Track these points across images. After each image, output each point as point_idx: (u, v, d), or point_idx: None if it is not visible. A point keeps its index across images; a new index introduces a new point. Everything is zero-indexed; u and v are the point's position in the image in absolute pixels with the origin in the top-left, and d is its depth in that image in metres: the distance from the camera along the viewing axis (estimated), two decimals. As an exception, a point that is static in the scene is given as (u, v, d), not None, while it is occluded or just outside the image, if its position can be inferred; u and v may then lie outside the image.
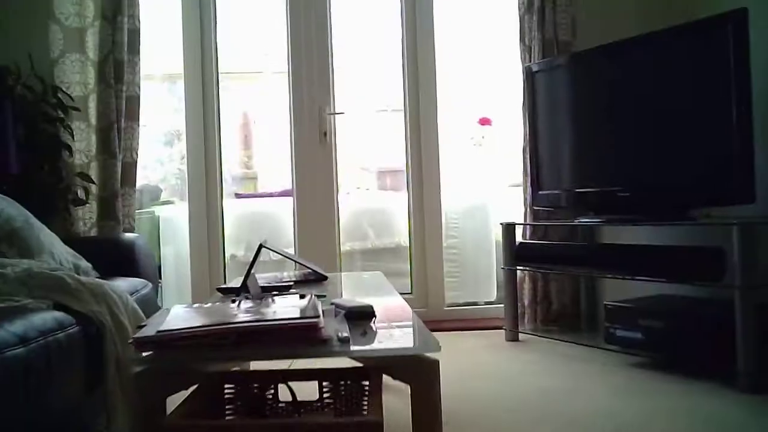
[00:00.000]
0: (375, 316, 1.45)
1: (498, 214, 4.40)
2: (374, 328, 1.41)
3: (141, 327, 1.39)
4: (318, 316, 1.24)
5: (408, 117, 3.75)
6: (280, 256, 3.76)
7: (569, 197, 3.05)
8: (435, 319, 3.65)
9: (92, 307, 1.85)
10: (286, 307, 1.34)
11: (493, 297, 3.87)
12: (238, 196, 4.50)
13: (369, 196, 4.30)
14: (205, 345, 1.18)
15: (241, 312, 1.33)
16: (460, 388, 2.44)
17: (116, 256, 2.60)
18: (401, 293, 3.65)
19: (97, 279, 2.00)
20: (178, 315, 1.35)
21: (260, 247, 1.57)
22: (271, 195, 4.35)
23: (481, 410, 2.18)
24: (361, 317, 1.44)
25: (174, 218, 3.82)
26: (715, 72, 2.51)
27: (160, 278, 3.82)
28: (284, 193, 3.87)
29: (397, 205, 3.88)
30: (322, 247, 3.68)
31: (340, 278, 2.45)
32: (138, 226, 3.73)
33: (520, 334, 3.23)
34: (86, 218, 3.23)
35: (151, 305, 2.44)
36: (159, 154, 6.24)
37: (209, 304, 1.55)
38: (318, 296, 1.88)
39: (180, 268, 3.71)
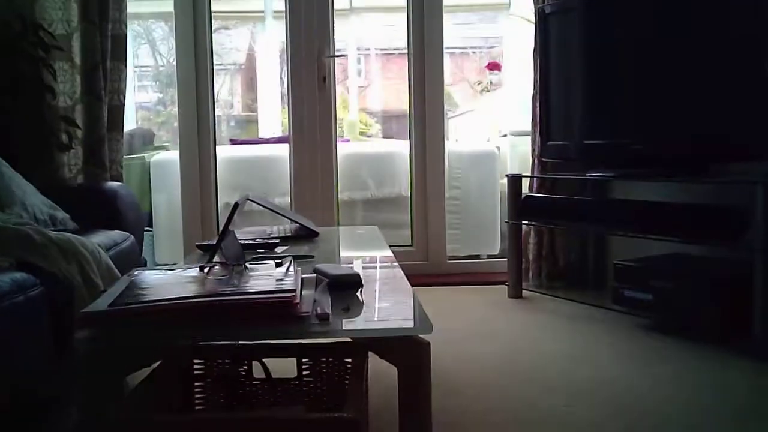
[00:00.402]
0: (362, 286, 1.31)
1: (506, 163, 4.24)
2: (361, 300, 1.27)
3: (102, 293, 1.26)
4: (293, 291, 1.09)
5: (412, 58, 3.54)
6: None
7: (579, 149, 2.88)
8: (436, 273, 3.53)
9: (61, 265, 1.72)
10: (260, 278, 1.19)
11: (497, 250, 3.72)
12: (232, 141, 4.32)
13: (369, 144, 4.11)
14: (162, 322, 1.04)
15: (210, 282, 1.18)
16: (462, 351, 2.32)
17: (97, 207, 2.45)
18: (402, 245, 3.58)
19: (68, 233, 1.86)
20: (139, 283, 1.21)
21: (235, 205, 1.42)
22: (267, 141, 4.17)
23: (486, 378, 2.06)
24: (346, 287, 1.29)
25: (166, 164, 3.66)
26: (743, 10, 2.30)
27: (151, 227, 3.70)
28: (281, 140, 3.70)
29: (398, 153, 3.70)
30: (320, 196, 3.53)
31: (332, 234, 2.30)
32: (127, 173, 3.59)
33: (523, 291, 3.10)
34: (71, 164, 3.07)
35: (132, 259, 2.31)
36: (162, 96, 6.06)
37: (177, 271, 1.41)
38: (303, 258, 1.74)
39: (173, 216, 3.58)
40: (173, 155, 3.60)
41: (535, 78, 3.18)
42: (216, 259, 1.45)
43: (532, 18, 3.19)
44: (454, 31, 7.72)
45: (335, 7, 6.19)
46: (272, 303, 1.07)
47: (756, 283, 2.13)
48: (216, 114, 3.64)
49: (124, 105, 3.23)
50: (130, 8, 3.26)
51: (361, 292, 1.31)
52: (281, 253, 1.75)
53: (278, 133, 5.17)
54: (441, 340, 2.45)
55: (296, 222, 2.14)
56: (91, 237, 2.13)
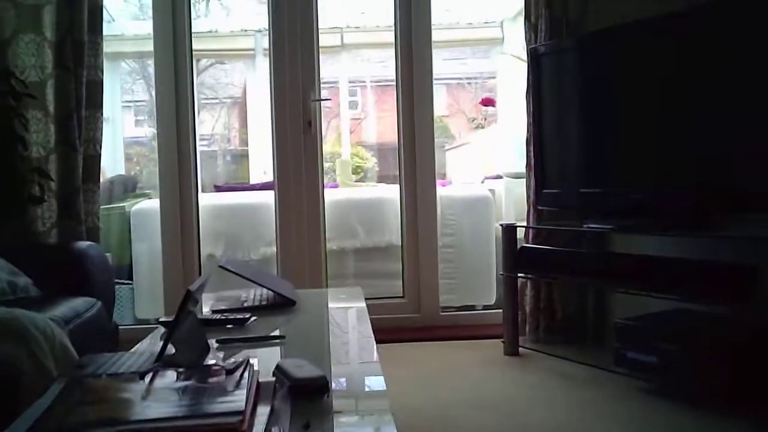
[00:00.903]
0: (328, 391, 1.14)
1: (501, 206, 4.10)
2: (329, 406, 1.11)
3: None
4: (241, 413, 0.94)
5: (401, 93, 3.41)
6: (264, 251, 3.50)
7: (576, 197, 2.73)
8: (428, 326, 3.37)
9: (6, 348, 1.56)
10: (206, 390, 1.03)
11: (493, 300, 3.56)
12: (217, 188, 4.18)
13: (358, 190, 3.97)
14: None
15: (152, 395, 1.03)
16: (451, 420, 2.14)
17: (63, 270, 2.30)
18: (393, 297, 3.43)
19: (18, 310, 1.70)
20: (70, 393, 1.05)
21: (187, 293, 1.27)
22: (253, 187, 4.03)
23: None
24: (311, 391, 1.13)
25: (147, 213, 3.51)
26: (752, 56, 2.17)
27: (131, 280, 3.54)
28: (267, 186, 3.56)
29: (388, 199, 3.55)
30: (307, 246, 3.38)
31: (311, 301, 2.13)
32: (107, 223, 3.46)
33: (520, 347, 2.93)
34: (45, 217, 2.93)
35: (98, 328, 2.16)
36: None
37: (131, 360, 1.25)
38: (273, 339, 1.59)
39: (154, 268, 3.41)
40: (154, 204, 3.45)
41: (528, 121, 3.05)
42: (175, 350, 1.29)
43: (525, 56, 3.07)
44: (447, 65, 7.66)
45: (326, 44, 6.10)
46: (215, 431, 0.91)
47: (769, 349, 1.98)
48: (200, 153, 3.50)
49: (100, 154, 3.10)
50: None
51: (329, 395, 1.15)
52: (246, 339, 1.58)
53: (270, 171, 5.05)
54: (430, 408, 2.29)
55: (271, 290, 1.98)
56: (52, 307, 1.99)
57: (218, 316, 1.76)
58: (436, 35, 6.05)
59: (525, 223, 3.09)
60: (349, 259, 3.57)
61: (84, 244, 2.43)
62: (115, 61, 6.02)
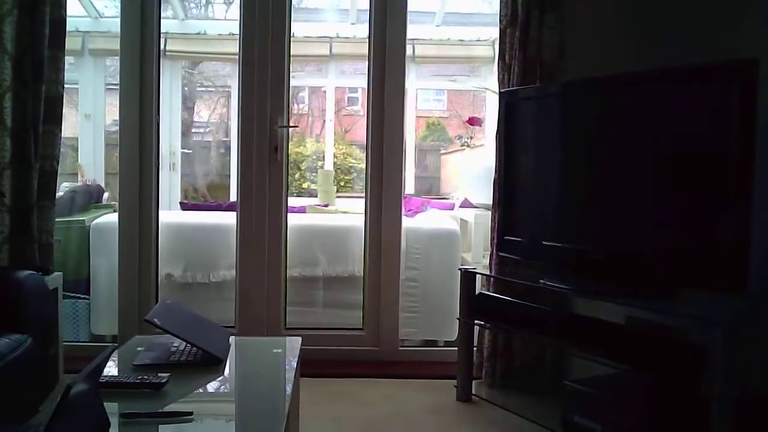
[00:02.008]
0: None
1: (472, 236, 4.04)
2: None
3: None
4: None
5: (371, 122, 3.33)
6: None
7: (537, 249, 2.66)
8: (387, 360, 3.31)
9: None
10: None
11: (455, 336, 3.47)
12: (183, 206, 4.11)
13: (323, 217, 3.90)
14: None
15: None
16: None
17: (-3, 302, 2.22)
18: (352, 329, 3.37)
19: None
20: None
21: (66, 392, 1.18)
22: (219, 207, 3.96)
23: None
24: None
25: (107, 228, 3.43)
26: (716, 128, 2.11)
27: (89, 296, 3.48)
28: (232, 207, 3.49)
29: (353, 227, 3.49)
30: (267, 271, 3.31)
31: (238, 356, 2.06)
32: (66, 236, 3.40)
33: (473, 395, 2.87)
34: (-3, 233, 2.86)
35: (26, 368, 2.09)
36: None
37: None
38: (180, 415, 1.53)
39: (111, 284, 3.35)
40: (114, 218, 3.38)
41: (496, 162, 2.97)
42: None
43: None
44: (435, 82, 7.61)
45: (315, 52, 6.03)
46: None
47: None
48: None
49: (57, 171, 3.02)
50: (113, 44, 3.06)
51: None
52: (151, 414, 1.52)
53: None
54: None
55: (198, 347, 1.92)
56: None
57: (134, 379, 1.70)
58: (424, 50, 6.00)
59: (488, 262, 3.03)
60: (310, 287, 3.50)
61: (23, 273, 2.35)
62: (100, 57, 5.96)
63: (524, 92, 2.80)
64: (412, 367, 3.27)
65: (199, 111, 9.41)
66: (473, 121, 5.82)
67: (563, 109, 2.66)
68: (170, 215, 3.68)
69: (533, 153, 2.78)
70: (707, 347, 1.97)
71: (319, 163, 7.82)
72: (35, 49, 2.89)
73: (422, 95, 8.39)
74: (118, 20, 5.39)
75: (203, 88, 8.46)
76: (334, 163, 7.26)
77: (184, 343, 2.01)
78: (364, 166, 3.38)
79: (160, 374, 1.73)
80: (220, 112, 9.79)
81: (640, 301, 2.22)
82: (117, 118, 3.36)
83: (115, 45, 5.76)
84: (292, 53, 3.31)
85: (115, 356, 1.97)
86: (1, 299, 2.23)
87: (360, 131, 7.42)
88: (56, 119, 2.99)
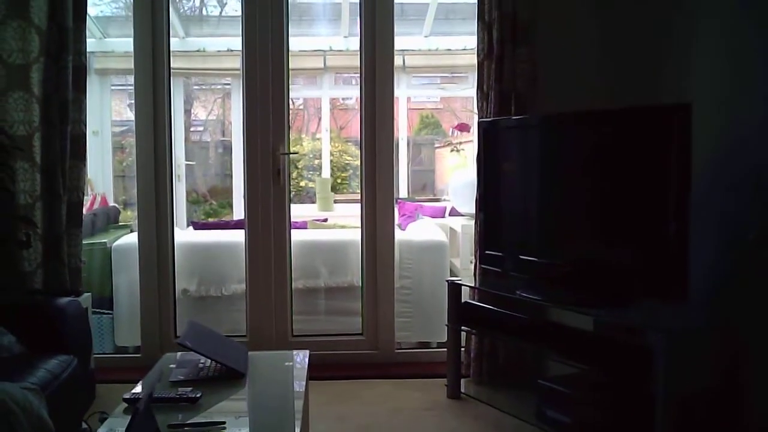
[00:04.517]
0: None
1: (459, 243, 4.38)
2: None
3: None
4: None
5: (364, 150, 3.67)
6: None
7: (515, 263, 3.00)
8: (384, 362, 3.65)
9: (-11, 427, 1.84)
10: None
11: (446, 338, 3.83)
12: (194, 225, 4.44)
13: (323, 232, 4.24)
14: None
15: None
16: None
17: (43, 327, 2.57)
18: (352, 334, 3.72)
19: (0, 388, 1.97)
20: None
21: (135, 412, 1.52)
22: (227, 225, 4.30)
23: None
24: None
25: (127, 249, 3.77)
26: (660, 159, 2.45)
27: (112, 311, 3.81)
28: (240, 224, 3.83)
29: (351, 242, 3.83)
30: (274, 284, 3.65)
31: (259, 369, 2.40)
32: (89, 257, 3.72)
33: (462, 393, 3.23)
34: (31, 258, 3.19)
35: (74, 387, 2.44)
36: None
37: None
38: (212, 425, 1.87)
39: (133, 299, 3.69)
40: (133, 239, 3.72)
41: (478, 183, 3.30)
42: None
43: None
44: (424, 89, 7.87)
45: (309, 65, 6.33)
46: None
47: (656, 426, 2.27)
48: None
49: (82, 201, 3.36)
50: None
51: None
52: (193, 425, 1.86)
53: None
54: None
55: (223, 364, 2.27)
56: (31, 370, 2.27)
57: (174, 394, 2.04)
58: (413, 60, 6.30)
59: (473, 271, 3.38)
60: (313, 297, 3.85)
61: (63, 300, 2.69)
62: (105, 76, 6.27)
63: (499, 123, 3.14)
64: (408, 367, 3.62)
65: (196, 112, 9.67)
66: (462, 127, 6.17)
67: (531, 139, 3.01)
68: (184, 234, 4.02)
69: (509, 176, 3.12)
70: (653, 350, 2.32)
71: (316, 162, 8.12)
72: (60, 93, 3.21)
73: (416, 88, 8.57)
74: (122, 40, 5.72)
75: (198, 87, 8.66)
76: (331, 161, 7.57)
77: (210, 360, 2.35)
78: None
79: (194, 389, 2.07)
80: (217, 112, 10.04)
81: (600, 309, 2.56)
82: (121, 118, 3.66)
83: (119, 64, 6.09)
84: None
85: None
86: (48, 325, 2.57)
87: (355, 126, 7.73)
88: (81, 155, 3.32)
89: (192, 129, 9.04)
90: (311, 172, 8.44)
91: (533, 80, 3.26)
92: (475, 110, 3.46)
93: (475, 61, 3.37)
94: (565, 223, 2.87)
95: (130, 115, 8.37)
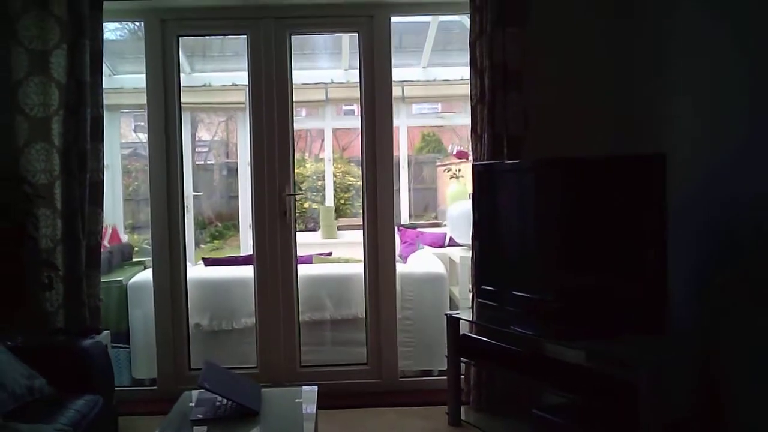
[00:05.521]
0: None
1: (458, 273, 4.56)
2: None
3: None
4: None
5: (366, 180, 3.87)
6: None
7: (509, 299, 3.18)
8: (388, 390, 3.83)
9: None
10: None
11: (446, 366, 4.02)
12: (205, 261, 4.64)
13: (328, 266, 4.43)
14: None
15: None
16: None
17: (71, 367, 2.75)
18: (357, 364, 3.90)
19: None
20: None
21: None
22: (236, 261, 4.50)
23: None
24: None
25: (142, 285, 3.97)
26: (638, 204, 2.65)
27: (128, 345, 4.00)
28: (249, 260, 4.02)
29: (355, 275, 4.01)
30: (281, 317, 3.84)
31: (271, 408, 2.58)
32: (106, 295, 3.90)
33: (462, 420, 3.40)
34: (53, 299, 3.39)
35: (101, 422, 2.62)
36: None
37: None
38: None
39: (148, 332, 3.87)
40: (148, 275, 3.92)
41: (472, 220, 3.49)
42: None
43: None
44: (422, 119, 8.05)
45: (312, 98, 6.53)
46: None
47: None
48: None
49: (100, 245, 3.56)
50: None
51: None
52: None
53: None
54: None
55: (237, 402, 2.45)
56: (61, 411, 2.46)
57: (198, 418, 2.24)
58: (412, 91, 6.50)
59: (471, 304, 3.57)
60: (319, 329, 4.03)
61: (87, 343, 2.88)
62: (114, 112, 6.49)
63: (491, 167, 3.34)
64: (411, 395, 3.79)
65: (200, 135, 9.84)
66: (461, 155, 6.36)
67: (522, 181, 3.20)
68: (195, 271, 4.21)
69: (502, 215, 3.31)
70: (634, 381, 2.50)
71: (319, 183, 8.32)
72: (79, 144, 3.42)
73: (416, 108, 8.76)
74: (130, 77, 5.92)
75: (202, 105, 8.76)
76: (334, 182, 7.76)
77: (224, 401, 2.54)
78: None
79: (213, 428, 2.27)
80: (221, 135, 10.23)
81: (587, 343, 2.74)
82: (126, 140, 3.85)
83: (127, 100, 6.30)
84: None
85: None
86: (74, 366, 2.76)
87: (358, 145, 7.93)
88: (98, 201, 3.52)
89: (197, 150, 9.24)
90: (314, 194, 8.65)
91: (523, 122, 3.45)
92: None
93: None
94: (554, 260, 3.05)
95: (134, 138, 8.61)
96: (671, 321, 2.60)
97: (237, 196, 7.13)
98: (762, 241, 2.44)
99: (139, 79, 3.97)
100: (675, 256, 2.61)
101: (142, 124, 7.02)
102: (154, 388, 3.85)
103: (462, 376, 3.52)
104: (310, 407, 2.58)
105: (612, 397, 2.61)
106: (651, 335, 2.64)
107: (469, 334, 3.41)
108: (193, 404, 2.56)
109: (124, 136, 7.74)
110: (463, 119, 6.93)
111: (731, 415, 2.63)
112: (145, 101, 3.83)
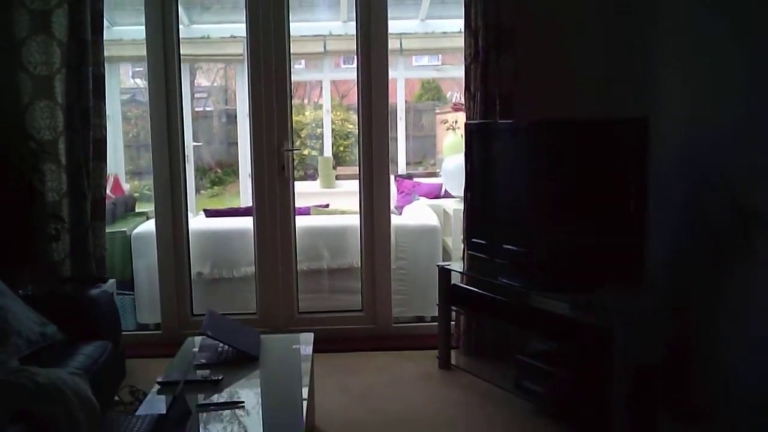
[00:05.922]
0: None
1: (451, 223, 4.71)
2: None
3: None
4: None
5: (361, 133, 3.98)
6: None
7: (499, 251, 3.33)
8: (382, 336, 4.03)
9: (48, 409, 2.20)
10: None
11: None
12: (206, 212, 4.78)
13: (325, 218, 4.57)
14: None
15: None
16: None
17: (80, 315, 2.91)
18: (353, 310, 4.08)
19: (55, 374, 2.32)
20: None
21: (172, 400, 1.88)
22: (236, 212, 4.64)
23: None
24: None
25: (145, 236, 4.12)
26: (621, 163, 2.78)
27: (133, 292, 4.18)
28: (249, 212, 4.16)
29: (351, 226, 4.16)
30: (281, 267, 4.01)
31: (270, 353, 2.75)
32: (111, 245, 4.05)
33: (452, 364, 3.60)
34: (60, 251, 3.54)
35: (110, 368, 2.80)
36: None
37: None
38: (233, 405, 2.23)
39: (152, 280, 4.04)
40: (150, 226, 4.07)
41: (465, 178, 3.61)
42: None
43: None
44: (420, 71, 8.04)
45: (310, 50, 6.57)
46: None
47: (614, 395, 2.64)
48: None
49: (104, 198, 3.69)
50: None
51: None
52: (217, 405, 2.23)
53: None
54: (358, 423, 2.98)
55: (238, 349, 2.63)
56: (74, 355, 2.63)
57: (200, 377, 2.41)
58: (410, 44, 6.53)
59: (462, 255, 3.73)
60: (317, 277, 4.20)
61: (95, 293, 3.05)
62: (113, 63, 6.54)
63: (483, 126, 3.44)
64: (404, 340, 3.99)
65: (199, 81, 9.83)
66: (458, 108, 6.43)
67: (512, 141, 3.31)
68: (197, 222, 4.36)
69: (493, 172, 3.43)
70: (612, 328, 2.67)
71: (318, 131, 8.40)
72: (82, 101, 3.52)
73: (417, 60, 8.75)
74: (129, 28, 5.96)
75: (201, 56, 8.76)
76: (333, 129, 7.85)
77: (225, 347, 2.71)
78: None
79: (214, 371, 2.44)
80: (219, 82, 10.22)
81: (570, 294, 2.90)
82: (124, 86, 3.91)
83: (127, 52, 6.35)
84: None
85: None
86: (83, 314, 2.93)
87: (355, 97, 8.00)
88: (102, 156, 3.64)
89: (196, 96, 9.25)
90: (314, 141, 8.74)
91: (515, 82, 3.54)
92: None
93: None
94: (542, 216, 3.19)
95: (132, 84, 8.64)
96: (648, 276, 2.75)
97: (236, 143, 7.21)
98: (734, 206, 2.57)
99: (138, 31, 4.04)
100: (655, 215, 2.75)
101: (140, 69, 7.06)
102: (159, 332, 4.04)
103: (452, 323, 3.70)
104: (306, 352, 2.75)
105: (590, 344, 2.78)
106: (629, 289, 2.79)
107: (459, 284, 3.57)
108: (196, 350, 2.73)
109: (122, 82, 7.78)
110: (461, 72, 6.98)
111: (696, 364, 2.82)
112: (144, 53, 3.90)
